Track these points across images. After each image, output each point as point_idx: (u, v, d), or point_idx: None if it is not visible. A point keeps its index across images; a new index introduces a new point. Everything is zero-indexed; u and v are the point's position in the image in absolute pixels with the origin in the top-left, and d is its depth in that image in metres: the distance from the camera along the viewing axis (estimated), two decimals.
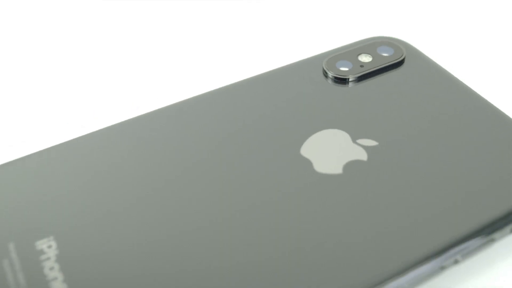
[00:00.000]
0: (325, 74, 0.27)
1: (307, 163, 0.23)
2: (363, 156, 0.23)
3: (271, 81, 0.27)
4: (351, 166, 0.23)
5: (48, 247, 0.20)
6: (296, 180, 0.23)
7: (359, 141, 0.24)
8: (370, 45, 0.28)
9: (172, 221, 0.21)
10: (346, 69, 0.27)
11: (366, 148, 0.24)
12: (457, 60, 0.30)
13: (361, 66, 0.27)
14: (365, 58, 0.28)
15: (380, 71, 0.27)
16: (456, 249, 0.20)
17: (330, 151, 0.24)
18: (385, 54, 0.28)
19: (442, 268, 0.20)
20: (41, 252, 0.20)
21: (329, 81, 0.27)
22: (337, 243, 0.20)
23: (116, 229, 0.21)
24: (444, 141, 0.24)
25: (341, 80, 0.27)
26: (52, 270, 0.20)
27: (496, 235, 0.21)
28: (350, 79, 0.27)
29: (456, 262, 0.21)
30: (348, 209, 0.21)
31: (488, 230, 0.21)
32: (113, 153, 0.24)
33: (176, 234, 0.21)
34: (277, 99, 0.26)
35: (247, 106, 0.26)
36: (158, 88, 0.30)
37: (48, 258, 0.20)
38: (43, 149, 0.24)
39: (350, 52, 0.28)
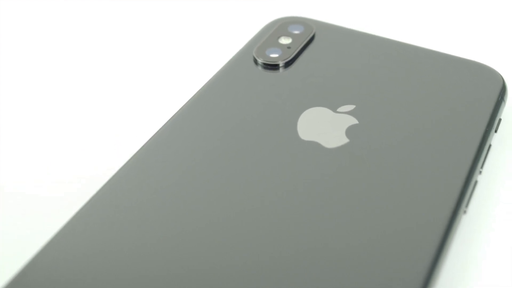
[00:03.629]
0: (260, 64, 0.28)
1: (315, 144, 0.24)
2: (353, 120, 0.25)
3: (222, 87, 0.26)
4: (352, 132, 0.24)
5: None
6: (319, 162, 0.23)
7: (339, 109, 0.25)
8: (281, 27, 0.29)
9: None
10: (277, 55, 0.28)
11: (349, 113, 0.25)
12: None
13: (288, 47, 0.28)
14: (286, 40, 0.29)
15: (304, 47, 0.29)
16: (478, 161, 0.23)
17: (324, 127, 0.24)
18: (297, 32, 0.29)
19: (476, 184, 0.23)
20: None
21: (267, 69, 0.27)
22: (389, 198, 0.22)
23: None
24: (403, 82, 0.26)
25: (276, 66, 0.28)
26: None
27: (490, 139, 0.24)
28: (285, 63, 0.28)
29: (480, 173, 0.23)
30: (380, 167, 0.23)
31: (485, 138, 0.24)
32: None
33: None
34: (240, 101, 0.26)
35: (217, 119, 0.25)
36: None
37: None
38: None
39: (270, 37, 0.29)
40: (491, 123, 0.25)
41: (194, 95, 0.26)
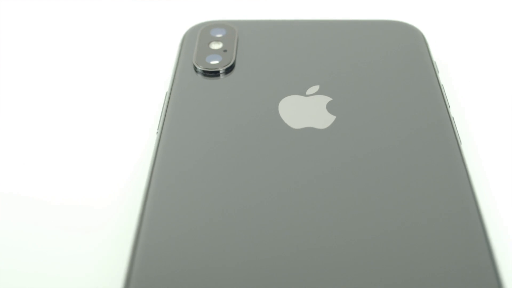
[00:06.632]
0: (205, 73, 0.27)
1: (311, 130, 0.24)
2: (326, 98, 0.26)
3: (188, 105, 0.26)
4: (333, 107, 0.25)
5: None
6: (328, 143, 0.24)
7: (308, 92, 0.26)
8: (204, 33, 0.29)
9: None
10: (217, 61, 0.28)
11: (319, 92, 0.26)
12: None
13: (224, 51, 0.28)
14: (217, 45, 0.29)
15: (237, 47, 0.29)
16: (445, 99, 0.26)
17: (306, 112, 0.25)
18: (221, 35, 0.29)
19: (453, 119, 0.25)
20: None
21: (216, 76, 0.27)
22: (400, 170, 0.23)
23: None
24: (347, 55, 0.28)
25: (224, 71, 0.27)
26: None
27: (440, 80, 0.27)
28: (231, 66, 0.27)
29: (449, 107, 0.26)
30: (379, 129, 0.24)
31: (438, 79, 0.27)
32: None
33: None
34: (216, 113, 0.25)
35: (207, 135, 0.24)
36: None
37: None
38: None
39: (201, 45, 0.28)
40: (434, 66, 0.27)
41: (165, 121, 0.25)
